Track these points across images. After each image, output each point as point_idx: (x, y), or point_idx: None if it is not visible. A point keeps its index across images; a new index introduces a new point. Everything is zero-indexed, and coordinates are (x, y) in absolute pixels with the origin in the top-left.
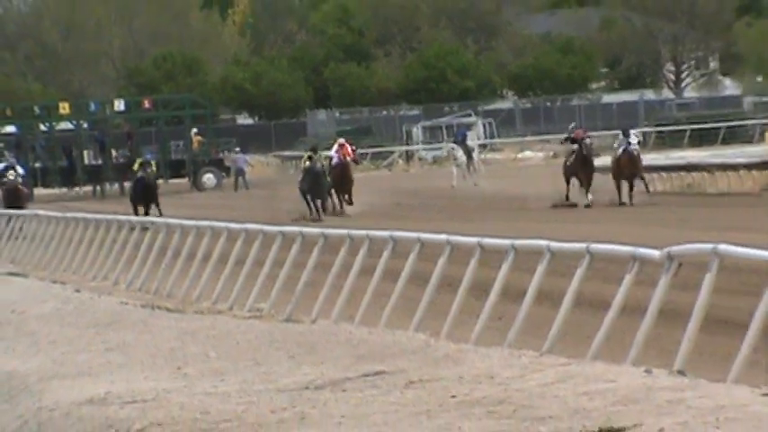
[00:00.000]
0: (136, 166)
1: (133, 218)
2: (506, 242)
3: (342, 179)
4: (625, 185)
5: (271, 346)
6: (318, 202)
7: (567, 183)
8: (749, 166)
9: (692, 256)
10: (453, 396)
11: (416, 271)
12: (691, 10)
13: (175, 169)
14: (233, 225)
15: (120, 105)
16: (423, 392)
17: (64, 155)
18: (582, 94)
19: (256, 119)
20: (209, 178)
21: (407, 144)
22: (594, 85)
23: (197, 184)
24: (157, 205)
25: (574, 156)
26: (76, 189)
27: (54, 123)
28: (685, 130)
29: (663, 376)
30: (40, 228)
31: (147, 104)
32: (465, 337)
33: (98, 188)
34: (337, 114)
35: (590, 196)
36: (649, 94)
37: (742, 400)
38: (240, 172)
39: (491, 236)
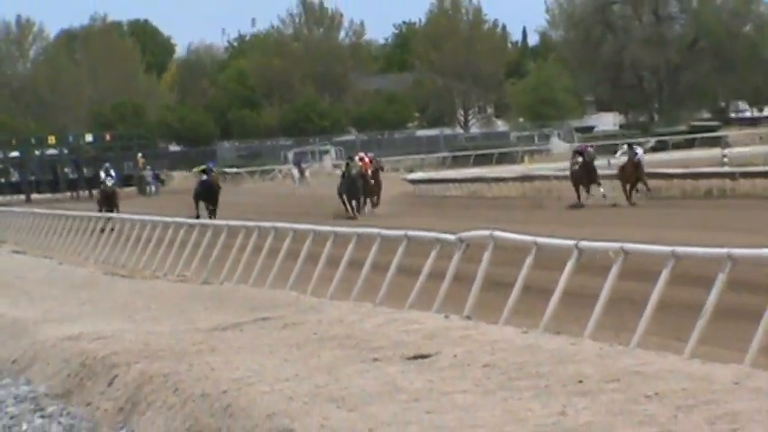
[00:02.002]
0: (196, 171)
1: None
2: (351, 230)
3: (365, 185)
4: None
5: (192, 301)
6: (354, 202)
7: (576, 188)
8: (514, 179)
9: (475, 239)
10: (315, 333)
11: (290, 250)
12: (475, 73)
13: (127, 181)
14: (167, 219)
15: (89, 138)
16: (294, 331)
17: (51, 171)
18: (401, 130)
19: (182, 146)
20: (154, 188)
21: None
22: (410, 124)
23: (142, 192)
24: (216, 203)
25: (579, 164)
26: (59, 194)
27: (45, 150)
28: (471, 155)
29: (456, 320)
30: (35, 221)
31: (108, 137)
32: (323, 293)
33: (74, 194)
34: (236, 144)
35: (592, 194)
36: (447, 131)
37: (509, 336)
38: (148, 183)
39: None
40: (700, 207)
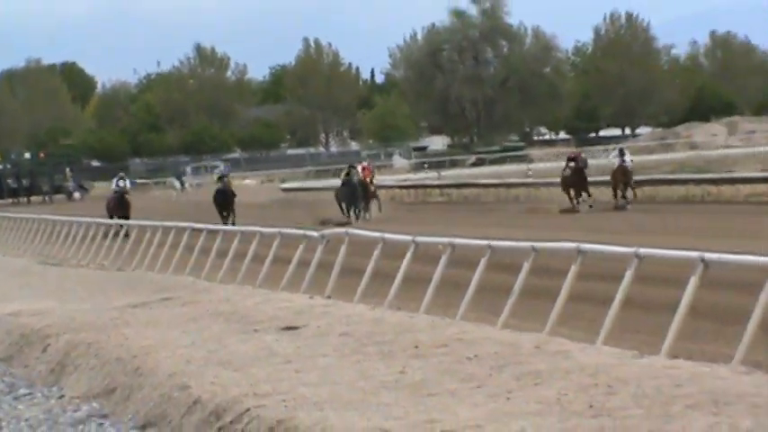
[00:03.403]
0: (215, 179)
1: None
2: (235, 228)
3: (364, 192)
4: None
5: (109, 284)
6: (352, 209)
7: (568, 193)
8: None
9: (335, 235)
10: (207, 310)
11: (188, 244)
12: (334, 104)
13: (58, 190)
14: (87, 219)
15: (27, 155)
16: (191, 308)
17: None
18: (276, 149)
19: (101, 162)
20: (77, 195)
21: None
22: (282, 145)
23: (70, 198)
24: (232, 210)
25: (571, 170)
26: (2, 201)
27: None
28: (330, 169)
29: (319, 299)
30: None
31: (42, 155)
32: (214, 278)
33: (15, 200)
34: (145, 160)
35: (591, 200)
36: (312, 150)
37: (361, 312)
38: (70, 192)
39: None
40: (509, 210)
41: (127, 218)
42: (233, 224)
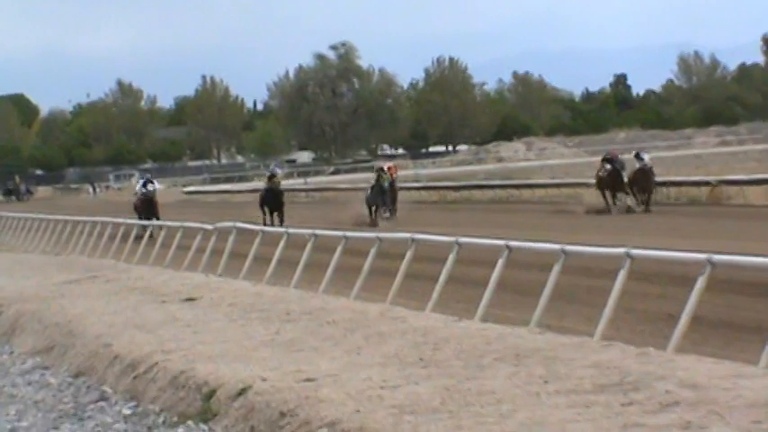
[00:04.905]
0: (267, 177)
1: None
2: (148, 222)
3: (391, 193)
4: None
5: (49, 266)
6: (381, 210)
7: (603, 194)
8: (249, 191)
9: (225, 228)
10: (126, 286)
11: (111, 234)
12: (224, 127)
13: (10, 192)
14: (33, 215)
15: None
16: (113, 285)
17: None
18: (179, 162)
19: (43, 171)
20: (25, 197)
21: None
22: (184, 158)
23: (20, 199)
24: (281, 209)
25: (608, 172)
26: None
27: None
28: (222, 177)
29: (213, 277)
30: None
31: None
32: (132, 260)
33: None
34: (77, 170)
35: (629, 200)
36: (207, 162)
37: (245, 287)
38: (20, 194)
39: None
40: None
41: (156, 219)
42: (280, 224)
